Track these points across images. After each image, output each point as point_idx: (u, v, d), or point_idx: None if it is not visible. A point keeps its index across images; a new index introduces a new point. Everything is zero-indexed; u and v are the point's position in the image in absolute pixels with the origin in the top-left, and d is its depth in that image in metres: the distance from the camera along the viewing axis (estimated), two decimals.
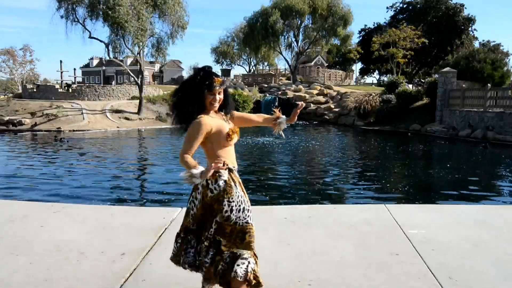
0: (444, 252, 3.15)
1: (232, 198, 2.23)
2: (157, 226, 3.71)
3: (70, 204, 5.05)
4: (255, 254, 2.31)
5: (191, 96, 2.25)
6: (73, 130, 21.33)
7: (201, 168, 2.14)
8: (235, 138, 2.33)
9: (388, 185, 8.69)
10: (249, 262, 2.23)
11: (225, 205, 2.23)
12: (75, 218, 3.97)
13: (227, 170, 2.28)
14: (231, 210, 2.23)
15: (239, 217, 2.24)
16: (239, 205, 2.25)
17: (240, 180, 2.35)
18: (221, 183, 2.24)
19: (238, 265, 2.21)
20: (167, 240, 3.40)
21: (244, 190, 2.35)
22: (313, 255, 3.09)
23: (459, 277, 2.73)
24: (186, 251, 2.34)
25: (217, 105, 2.30)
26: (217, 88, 2.25)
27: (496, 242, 3.36)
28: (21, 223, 3.80)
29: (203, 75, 2.25)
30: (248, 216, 2.27)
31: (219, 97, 2.29)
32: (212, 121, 2.25)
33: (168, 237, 3.47)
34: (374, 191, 8.00)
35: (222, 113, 2.38)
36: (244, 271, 2.20)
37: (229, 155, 2.33)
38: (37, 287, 2.59)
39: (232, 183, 2.26)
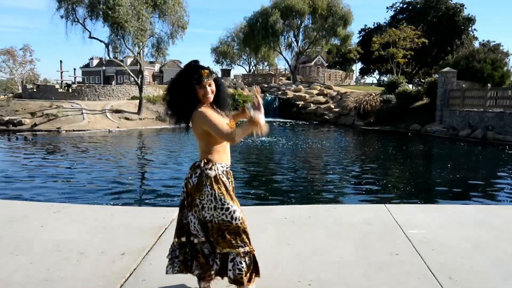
0: (444, 252, 3.15)
1: (202, 196, 2.23)
2: (157, 226, 3.71)
3: (70, 204, 5.04)
4: (245, 253, 2.26)
5: (183, 92, 2.25)
6: (73, 130, 21.34)
7: (253, 113, 2.17)
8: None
9: (388, 185, 8.69)
10: (236, 263, 2.24)
11: (198, 202, 2.25)
12: (75, 218, 3.97)
13: (204, 166, 2.26)
14: (203, 208, 2.24)
15: (212, 214, 2.22)
16: (210, 203, 2.22)
17: (224, 177, 2.28)
18: (194, 179, 2.26)
19: (229, 269, 2.24)
20: (167, 240, 3.39)
21: (226, 188, 2.26)
22: (313, 255, 3.09)
23: (459, 277, 2.73)
24: (182, 256, 2.37)
25: (210, 96, 2.28)
26: (206, 80, 2.24)
27: (496, 242, 3.36)
28: (21, 223, 3.80)
29: (189, 70, 2.25)
30: (224, 214, 2.21)
31: (211, 88, 2.28)
32: (212, 112, 2.26)
33: (168, 237, 3.47)
34: (374, 191, 8.00)
35: (216, 108, 2.34)
36: (234, 274, 2.23)
37: (225, 151, 2.34)
38: (37, 287, 2.59)
39: (205, 181, 2.23)
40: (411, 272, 2.80)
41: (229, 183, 2.34)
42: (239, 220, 2.24)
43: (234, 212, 2.24)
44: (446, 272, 2.79)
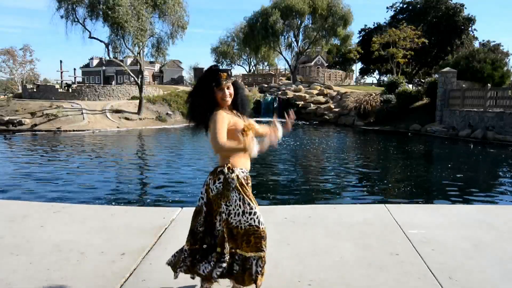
0: (444, 252, 3.15)
1: (229, 202, 2.23)
2: (157, 226, 3.71)
3: (70, 204, 5.04)
4: (264, 257, 2.28)
5: (202, 95, 2.27)
6: (73, 130, 21.34)
7: (255, 145, 2.13)
8: (250, 137, 2.29)
9: (388, 185, 8.70)
10: (258, 266, 2.25)
11: (223, 208, 2.24)
12: (75, 218, 3.97)
13: (228, 171, 2.25)
14: (229, 214, 2.23)
15: (239, 220, 2.23)
16: (238, 209, 2.23)
17: (244, 182, 2.28)
18: (218, 185, 2.25)
19: (250, 268, 2.24)
20: (167, 240, 3.40)
21: (248, 192, 2.28)
22: (313, 255, 3.09)
23: (459, 277, 2.73)
24: (193, 263, 2.33)
25: (228, 99, 2.28)
26: (224, 82, 2.25)
27: (496, 242, 3.36)
28: (21, 223, 3.80)
29: (209, 73, 2.28)
30: (252, 218, 2.23)
31: (229, 91, 2.28)
32: (228, 116, 2.26)
33: (168, 237, 3.47)
34: (374, 191, 8.00)
35: (236, 112, 2.34)
36: (255, 274, 2.24)
37: (245, 155, 2.31)
38: (37, 287, 2.59)
39: (231, 186, 2.23)
40: (411, 272, 2.79)
41: (249, 188, 2.34)
42: (263, 224, 2.27)
43: (260, 217, 2.26)
44: (446, 272, 2.78)
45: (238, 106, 2.36)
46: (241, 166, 2.30)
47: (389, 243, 3.32)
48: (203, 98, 2.26)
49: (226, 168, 2.25)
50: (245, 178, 2.31)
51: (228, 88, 2.28)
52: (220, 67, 2.33)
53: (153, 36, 26.31)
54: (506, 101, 17.32)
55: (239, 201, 2.23)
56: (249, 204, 2.24)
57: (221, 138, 2.13)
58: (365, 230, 3.64)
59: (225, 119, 2.21)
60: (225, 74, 2.27)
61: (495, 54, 27.94)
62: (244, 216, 2.22)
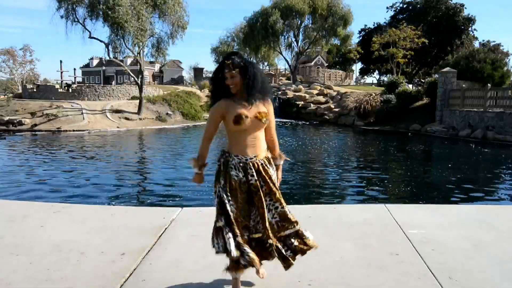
0: (444, 252, 3.15)
1: (217, 183, 2.35)
2: (157, 226, 3.71)
3: (70, 204, 5.04)
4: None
5: (214, 82, 2.40)
6: (73, 130, 21.34)
7: (196, 171, 2.42)
8: (246, 125, 2.26)
9: (388, 185, 8.70)
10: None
11: (216, 187, 2.36)
12: (75, 218, 3.97)
13: (222, 156, 2.37)
14: (219, 194, 2.33)
15: (226, 197, 2.32)
16: (220, 192, 2.32)
17: (236, 169, 2.30)
18: (217, 167, 2.39)
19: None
20: (167, 240, 3.40)
21: (232, 181, 2.29)
22: (313, 255, 3.08)
23: (459, 277, 2.73)
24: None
25: (232, 86, 2.28)
26: (226, 71, 2.26)
27: (496, 242, 3.35)
28: (21, 223, 3.80)
29: (220, 61, 2.33)
30: (226, 204, 2.28)
31: (233, 80, 2.26)
32: (227, 105, 2.28)
33: (168, 237, 3.47)
34: (374, 191, 8.00)
35: (250, 98, 2.29)
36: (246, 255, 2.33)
37: (247, 143, 2.31)
38: (37, 287, 2.59)
39: (221, 170, 2.34)
40: (411, 272, 2.79)
41: (246, 175, 2.31)
42: (233, 213, 2.29)
43: (231, 207, 2.28)
44: (446, 272, 2.78)
45: (248, 92, 2.28)
46: (237, 152, 2.33)
47: (389, 243, 3.32)
48: (216, 85, 2.38)
49: (221, 152, 2.39)
50: (241, 164, 2.31)
51: (232, 76, 2.26)
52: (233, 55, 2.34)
53: (153, 36, 26.31)
54: (506, 101, 17.32)
55: (221, 185, 2.32)
56: (225, 192, 2.29)
57: (204, 132, 2.39)
58: (365, 230, 3.64)
59: (214, 112, 2.32)
60: (228, 62, 2.26)
61: (495, 54, 27.92)
62: (224, 200, 2.29)
